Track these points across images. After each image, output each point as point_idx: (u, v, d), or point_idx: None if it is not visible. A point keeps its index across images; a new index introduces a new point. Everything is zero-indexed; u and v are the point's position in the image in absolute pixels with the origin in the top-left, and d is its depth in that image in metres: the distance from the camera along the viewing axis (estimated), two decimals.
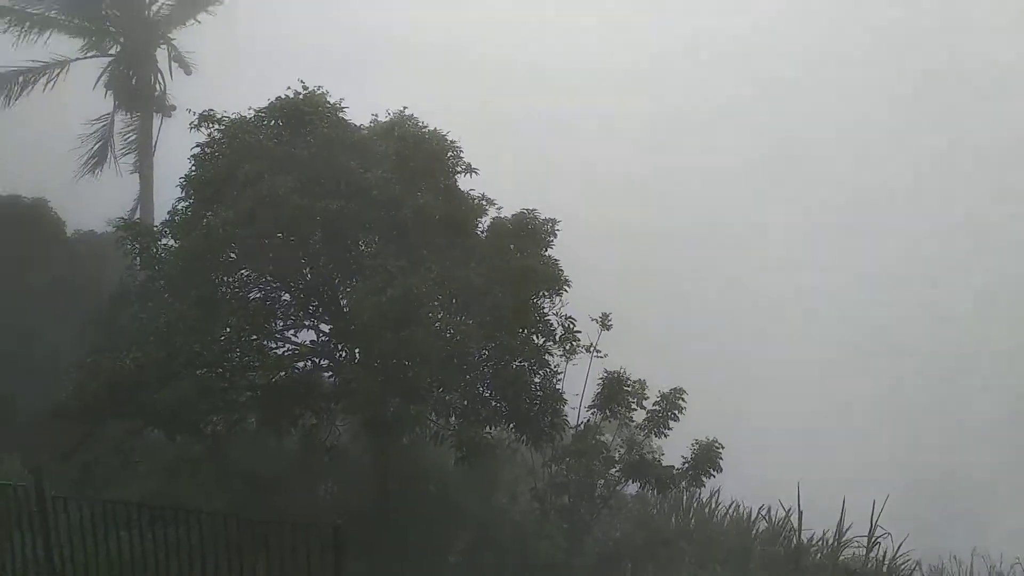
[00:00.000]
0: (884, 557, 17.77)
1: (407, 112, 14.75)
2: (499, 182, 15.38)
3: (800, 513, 17.35)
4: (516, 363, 13.50)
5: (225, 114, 14.32)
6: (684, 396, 14.76)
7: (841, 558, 17.73)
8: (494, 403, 13.50)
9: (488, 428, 13.29)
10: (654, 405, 14.79)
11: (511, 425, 13.58)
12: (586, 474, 14.62)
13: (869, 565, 17.58)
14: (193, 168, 14.21)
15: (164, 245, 14.47)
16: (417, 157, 14.11)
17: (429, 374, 12.84)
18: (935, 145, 36.17)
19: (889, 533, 17.65)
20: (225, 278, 14.28)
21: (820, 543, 18.29)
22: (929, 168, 36.71)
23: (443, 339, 12.91)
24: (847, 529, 18.11)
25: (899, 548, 17.87)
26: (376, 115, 15.09)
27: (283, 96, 14.19)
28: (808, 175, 37.67)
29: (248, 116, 14.34)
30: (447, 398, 13.17)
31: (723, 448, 14.46)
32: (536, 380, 13.57)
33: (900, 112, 37.32)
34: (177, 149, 16.95)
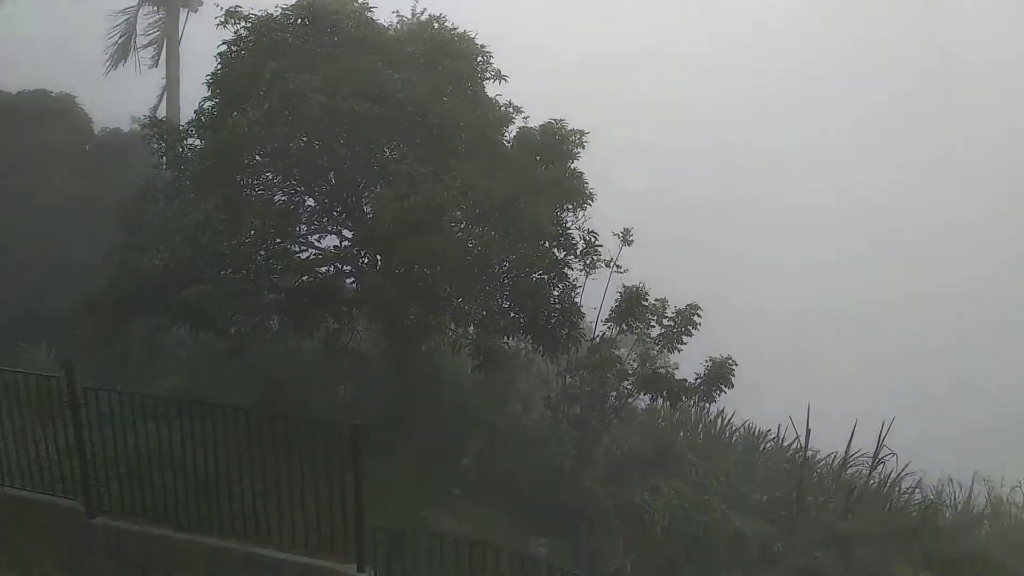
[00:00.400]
0: (888, 477, 18.17)
1: (434, 13, 14.40)
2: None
3: (808, 432, 17.64)
4: (536, 275, 13.55)
5: (252, 11, 14.04)
6: (699, 312, 14.80)
7: (844, 476, 18.13)
8: (512, 314, 13.66)
9: (505, 338, 13.50)
10: (669, 321, 14.87)
11: (528, 336, 13.77)
12: (599, 386, 14.89)
13: (871, 483, 18.00)
14: (219, 66, 14.05)
15: (190, 144, 14.48)
16: (445, 61, 13.83)
17: (449, 283, 12.98)
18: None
19: (895, 453, 17.96)
20: (250, 180, 14.34)
21: (826, 461, 18.71)
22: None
23: (464, 248, 12.98)
24: (855, 452, 18.44)
25: (904, 469, 18.22)
26: (399, 11, 14.74)
27: None
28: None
29: (275, 14, 14.06)
30: (466, 307, 13.34)
31: (736, 365, 14.57)
32: (555, 293, 13.66)
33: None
34: (203, 46, 16.73)
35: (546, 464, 14.25)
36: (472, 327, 13.36)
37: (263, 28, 13.79)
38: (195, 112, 14.47)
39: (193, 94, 15.14)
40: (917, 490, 18.38)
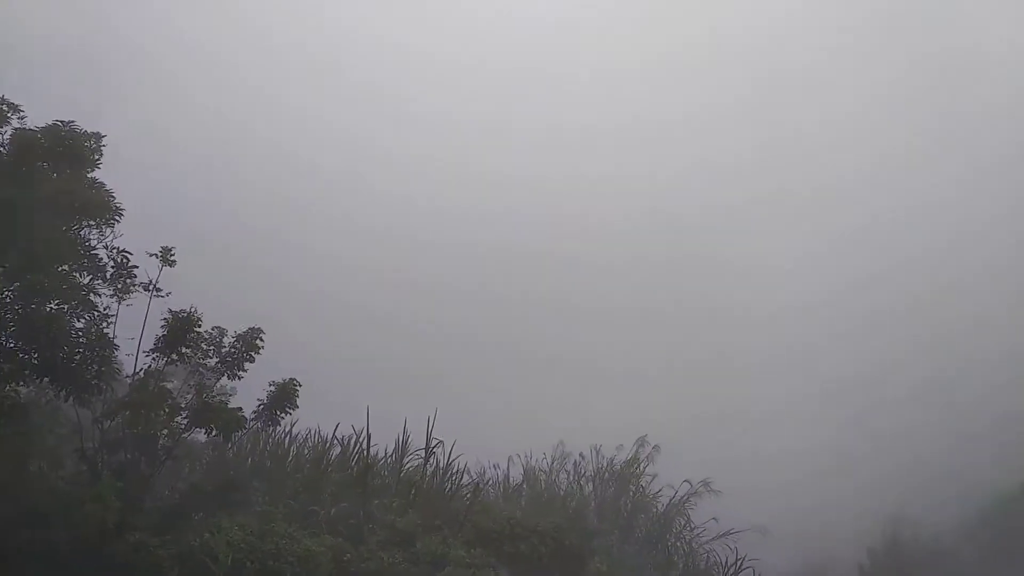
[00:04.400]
0: (440, 465, 19.70)
1: None
2: None
3: (368, 436, 18.18)
4: (52, 306, 11.52)
5: None
6: (262, 336, 14.17)
7: (404, 472, 19.16)
8: (22, 355, 11.37)
9: (15, 384, 11.18)
10: (230, 347, 13.98)
11: (46, 379, 11.58)
12: (146, 426, 13.24)
13: (428, 474, 19.33)
14: None
15: None
16: None
17: None
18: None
19: (442, 442, 19.53)
20: None
21: (386, 459, 19.58)
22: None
23: None
24: (413, 447, 19.64)
25: (450, 455, 19.91)
26: None
27: None
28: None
29: None
30: None
31: (300, 385, 14.29)
32: (78, 325, 11.76)
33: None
34: None
35: (85, 524, 12.19)
36: None
37: None
38: None
39: None
40: (465, 474, 20.28)
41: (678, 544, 21.95)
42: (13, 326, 11.39)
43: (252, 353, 13.96)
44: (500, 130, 37.83)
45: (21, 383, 11.41)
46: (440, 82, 38.88)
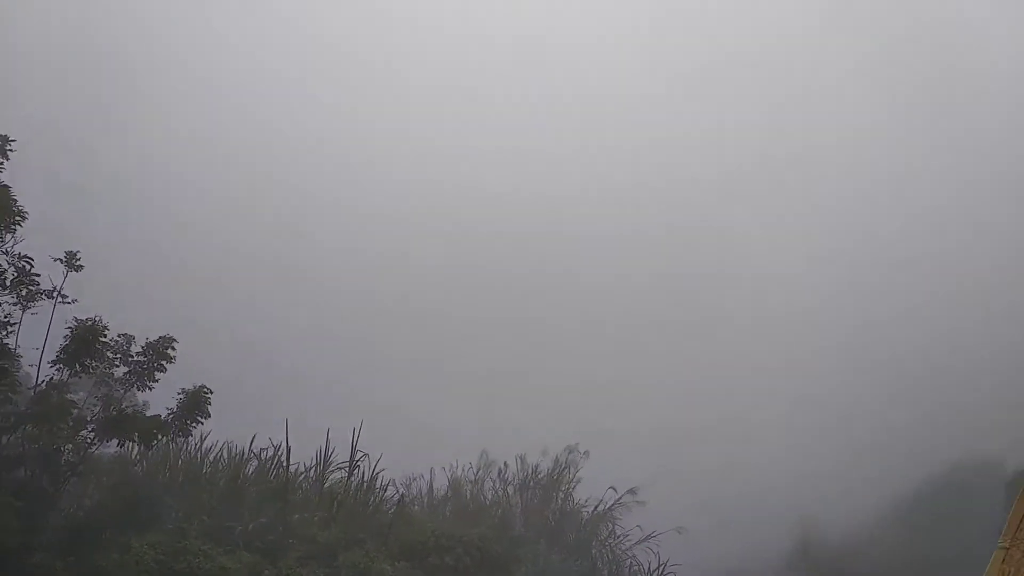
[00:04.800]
0: (364, 478, 19.35)
1: None
2: None
3: (288, 448, 17.70)
4: None
5: None
6: (174, 345, 13.59)
7: (327, 485, 18.72)
8: None
9: None
10: (139, 356, 13.38)
11: None
12: (49, 440, 12.53)
13: (352, 487, 18.94)
14: None
15: None
16: None
17: None
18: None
19: (367, 455, 19.17)
20: None
21: (307, 473, 19.10)
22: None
23: None
24: (337, 460, 19.24)
25: (375, 468, 19.58)
26: None
27: None
28: None
29: None
30: None
31: (211, 392, 13.77)
32: None
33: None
34: None
35: None
36: None
37: None
38: None
39: None
40: (391, 487, 19.98)
41: (603, 551, 22.07)
42: None
43: (163, 362, 13.40)
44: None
45: None
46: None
